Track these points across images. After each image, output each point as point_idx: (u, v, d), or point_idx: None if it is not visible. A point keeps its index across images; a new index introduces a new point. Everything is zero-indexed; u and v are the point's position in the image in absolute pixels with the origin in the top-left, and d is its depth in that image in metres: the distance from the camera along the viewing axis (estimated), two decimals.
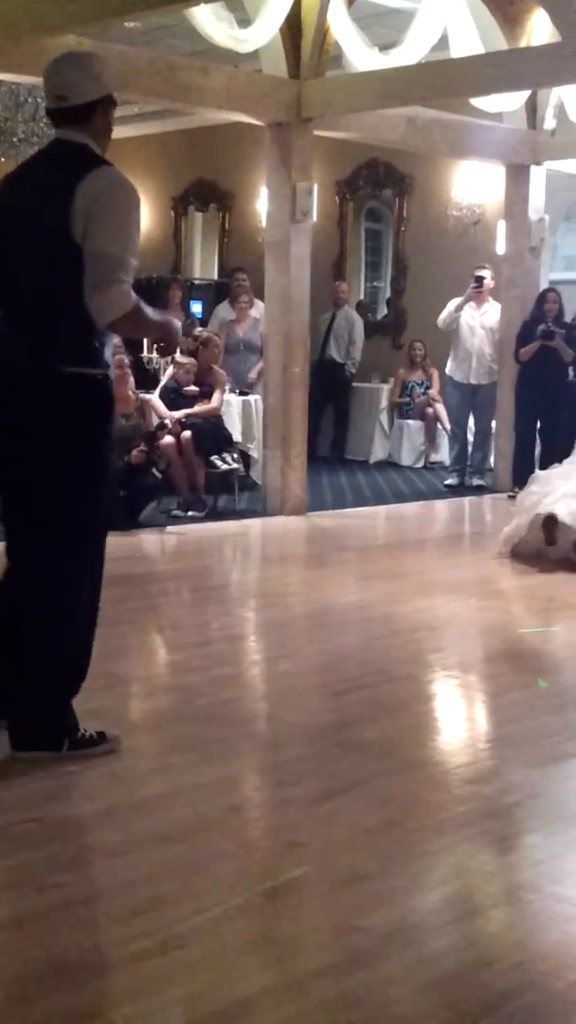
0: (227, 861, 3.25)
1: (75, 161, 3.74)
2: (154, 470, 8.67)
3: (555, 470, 7.67)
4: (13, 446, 3.79)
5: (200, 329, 10.03)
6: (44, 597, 3.83)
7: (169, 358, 9.72)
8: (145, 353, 9.90)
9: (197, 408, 9.30)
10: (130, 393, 8.60)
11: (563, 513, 7.13)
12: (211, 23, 8.18)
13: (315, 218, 9.42)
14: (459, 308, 11.01)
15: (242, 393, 10.39)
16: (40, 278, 3.75)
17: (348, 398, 12.87)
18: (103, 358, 3.85)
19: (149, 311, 3.84)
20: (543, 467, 8.54)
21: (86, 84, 3.80)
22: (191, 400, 9.33)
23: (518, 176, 10.83)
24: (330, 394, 12.50)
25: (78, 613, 3.88)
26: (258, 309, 10.83)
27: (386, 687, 4.93)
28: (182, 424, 9.14)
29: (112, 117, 3.92)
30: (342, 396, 12.79)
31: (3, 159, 11.05)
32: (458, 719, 4.87)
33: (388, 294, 14.02)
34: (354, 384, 12.90)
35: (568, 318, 10.53)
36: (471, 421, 11.28)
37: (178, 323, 4.17)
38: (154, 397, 9.38)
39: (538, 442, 10.34)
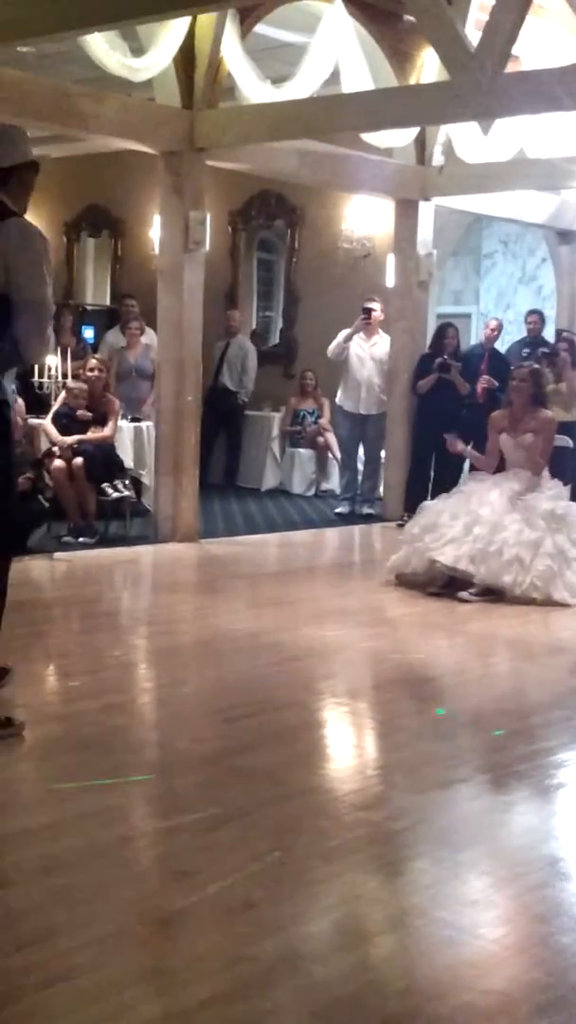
0: (115, 890, 3.23)
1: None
2: (40, 497, 8.59)
3: (441, 504, 7.80)
4: None
5: (92, 358, 9.98)
6: None
7: (61, 383, 9.67)
8: (36, 378, 9.82)
9: (90, 434, 9.25)
10: (17, 419, 8.51)
11: (448, 559, 7.28)
12: (105, 51, 8.19)
13: (208, 247, 9.46)
14: (348, 339, 11.15)
15: (134, 420, 10.36)
16: None
17: (240, 426, 12.93)
18: (3, 385, 4.26)
19: None
20: (435, 496, 8.68)
21: (3, 152, 4.32)
22: (83, 425, 9.28)
23: (407, 211, 11.03)
24: (223, 422, 12.54)
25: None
26: (149, 336, 10.83)
27: (276, 714, 4.95)
28: (74, 450, 9.08)
29: (29, 181, 4.40)
30: (234, 424, 12.85)
31: None
32: (347, 746, 4.91)
33: (280, 323, 14.13)
34: (246, 412, 12.96)
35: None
36: (361, 450, 11.41)
37: None
38: (46, 422, 9.32)
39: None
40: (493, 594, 7.22)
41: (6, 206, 4.31)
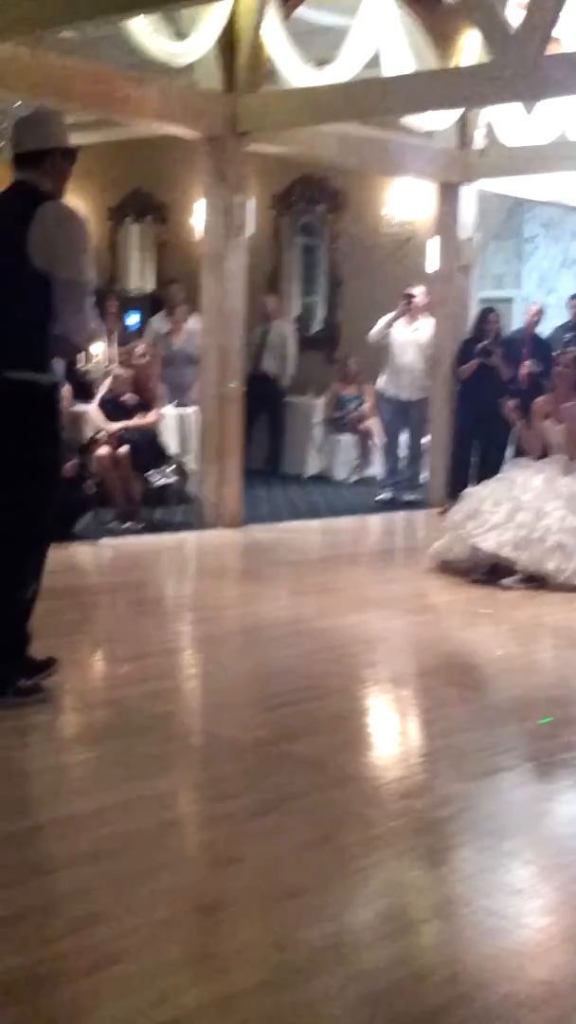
0: (162, 877, 3.25)
1: (28, 198, 4.37)
2: (86, 483, 8.64)
3: (484, 490, 7.76)
4: None
5: (139, 344, 10.00)
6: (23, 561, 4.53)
7: (106, 369, 9.70)
8: (81, 364, 9.86)
9: (135, 421, 9.28)
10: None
11: (491, 546, 7.25)
12: (146, 35, 8.20)
13: (251, 232, 9.45)
14: (390, 324, 11.10)
15: (179, 405, 10.38)
16: (4, 300, 4.35)
17: (282, 411, 12.91)
18: (52, 368, 4.47)
19: None
20: (478, 483, 8.63)
21: (38, 135, 4.47)
22: (128, 412, 9.31)
23: (449, 195, 10.96)
24: (264, 407, 12.51)
25: (19, 601, 4.54)
26: (194, 321, 10.84)
27: (320, 702, 4.95)
28: (119, 437, 9.12)
29: (65, 167, 4.50)
30: (276, 409, 12.81)
31: None
32: (391, 733, 4.91)
33: (322, 309, 14.08)
34: (287, 398, 12.95)
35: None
36: (403, 436, 11.37)
37: None
38: (92, 408, 9.36)
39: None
40: (536, 581, 7.18)
41: (39, 190, 4.42)
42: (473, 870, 3.40)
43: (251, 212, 9.29)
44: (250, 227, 9.33)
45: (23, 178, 4.46)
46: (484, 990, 2.73)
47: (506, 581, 7.21)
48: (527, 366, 10.34)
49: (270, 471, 12.63)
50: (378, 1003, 2.67)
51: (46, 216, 4.32)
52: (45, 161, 4.43)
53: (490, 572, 7.33)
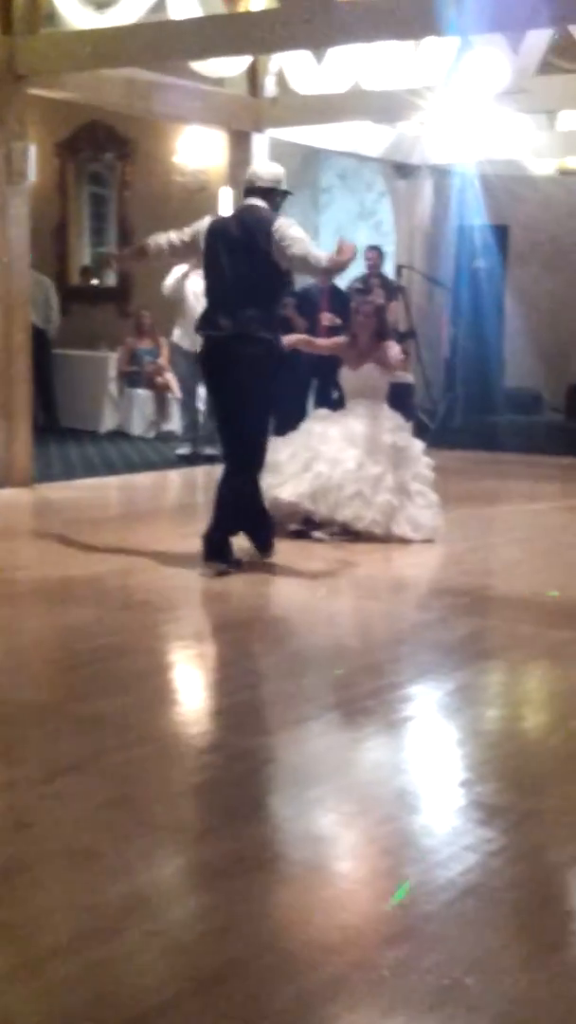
0: None
1: (263, 215, 6.21)
2: None
3: (282, 443, 7.71)
4: (225, 384, 6.27)
5: None
6: (244, 471, 6.38)
7: None
8: None
9: None
10: None
11: (289, 495, 7.22)
12: None
13: (33, 179, 9.13)
14: (185, 276, 10.93)
15: None
16: (247, 282, 6.13)
17: (51, 365, 12.46)
18: (277, 328, 6.36)
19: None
20: (277, 435, 8.58)
21: (272, 178, 6.42)
22: None
23: (240, 143, 10.84)
24: (35, 362, 12.03)
25: (254, 484, 6.47)
26: None
27: (119, 660, 4.84)
28: None
29: (279, 202, 6.41)
30: (46, 363, 12.31)
31: None
32: (193, 689, 4.84)
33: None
34: (55, 350, 12.54)
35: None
36: (201, 390, 11.24)
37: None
38: None
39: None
40: (350, 534, 7.20)
41: (270, 211, 6.21)
42: (277, 821, 3.37)
43: (32, 158, 8.96)
44: (31, 174, 9.00)
45: (255, 202, 6.25)
46: (287, 938, 2.70)
47: (317, 533, 7.20)
48: (327, 318, 10.32)
49: (49, 427, 12.17)
50: (182, 956, 2.61)
51: (283, 226, 6.09)
52: (272, 195, 6.29)
53: (305, 523, 7.30)
